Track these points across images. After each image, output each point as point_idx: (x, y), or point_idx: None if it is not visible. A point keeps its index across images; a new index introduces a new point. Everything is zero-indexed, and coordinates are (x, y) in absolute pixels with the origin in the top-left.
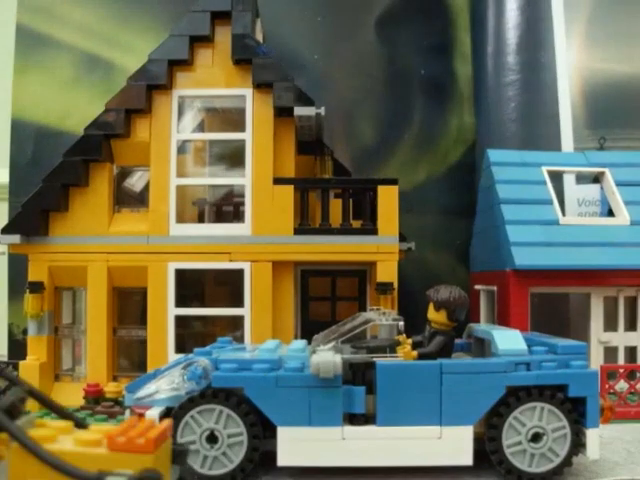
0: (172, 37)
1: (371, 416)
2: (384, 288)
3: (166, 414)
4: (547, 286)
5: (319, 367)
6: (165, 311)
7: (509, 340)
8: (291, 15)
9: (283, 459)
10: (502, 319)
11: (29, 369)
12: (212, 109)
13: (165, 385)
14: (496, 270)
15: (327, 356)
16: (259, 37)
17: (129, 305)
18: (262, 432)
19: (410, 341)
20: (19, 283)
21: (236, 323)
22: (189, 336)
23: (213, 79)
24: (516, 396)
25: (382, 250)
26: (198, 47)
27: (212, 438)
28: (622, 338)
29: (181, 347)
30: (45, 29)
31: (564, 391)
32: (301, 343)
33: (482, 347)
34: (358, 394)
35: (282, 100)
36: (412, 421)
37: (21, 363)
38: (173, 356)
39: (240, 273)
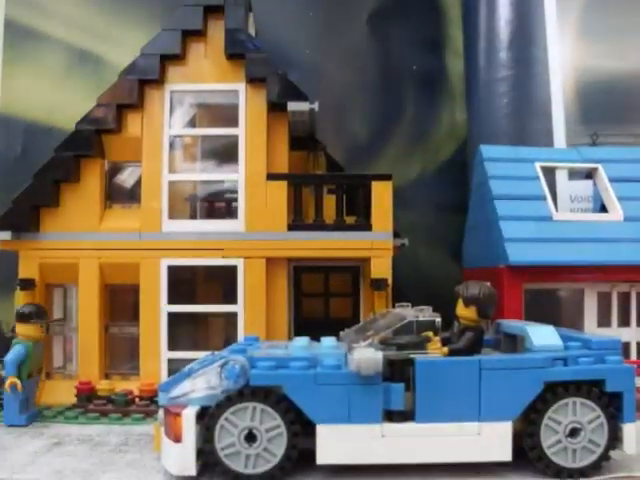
0: (164, 31)
1: (409, 413)
2: (378, 284)
3: (201, 413)
4: (541, 282)
5: (360, 364)
6: (157, 308)
7: (544, 336)
8: (283, 10)
9: (322, 457)
10: (496, 315)
11: None
12: (205, 104)
13: (201, 384)
14: (489, 266)
15: (368, 353)
16: (251, 32)
17: (121, 302)
18: (301, 430)
19: (439, 337)
20: (9, 280)
21: (229, 320)
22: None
23: (206, 74)
24: (553, 392)
25: (376, 246)
26: (191, 41)
27: (251, 437)
28: (615, 334)
29: (174, 344)
30: (34, 23)
31: (600, 386)
32: (331, 340)
33: (513, 343)
34: (397, 391)
35: (275, 95)
36: (451, 417)
37: None
38: (166, 354)
39: (233, 269)
